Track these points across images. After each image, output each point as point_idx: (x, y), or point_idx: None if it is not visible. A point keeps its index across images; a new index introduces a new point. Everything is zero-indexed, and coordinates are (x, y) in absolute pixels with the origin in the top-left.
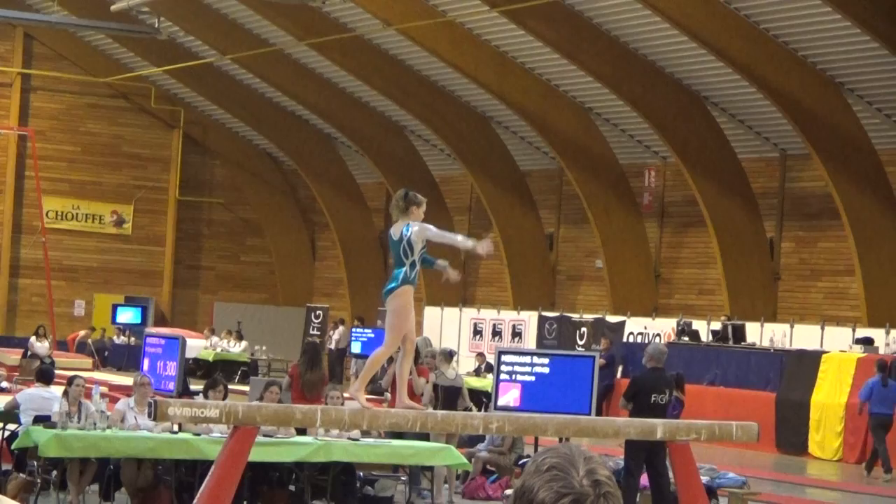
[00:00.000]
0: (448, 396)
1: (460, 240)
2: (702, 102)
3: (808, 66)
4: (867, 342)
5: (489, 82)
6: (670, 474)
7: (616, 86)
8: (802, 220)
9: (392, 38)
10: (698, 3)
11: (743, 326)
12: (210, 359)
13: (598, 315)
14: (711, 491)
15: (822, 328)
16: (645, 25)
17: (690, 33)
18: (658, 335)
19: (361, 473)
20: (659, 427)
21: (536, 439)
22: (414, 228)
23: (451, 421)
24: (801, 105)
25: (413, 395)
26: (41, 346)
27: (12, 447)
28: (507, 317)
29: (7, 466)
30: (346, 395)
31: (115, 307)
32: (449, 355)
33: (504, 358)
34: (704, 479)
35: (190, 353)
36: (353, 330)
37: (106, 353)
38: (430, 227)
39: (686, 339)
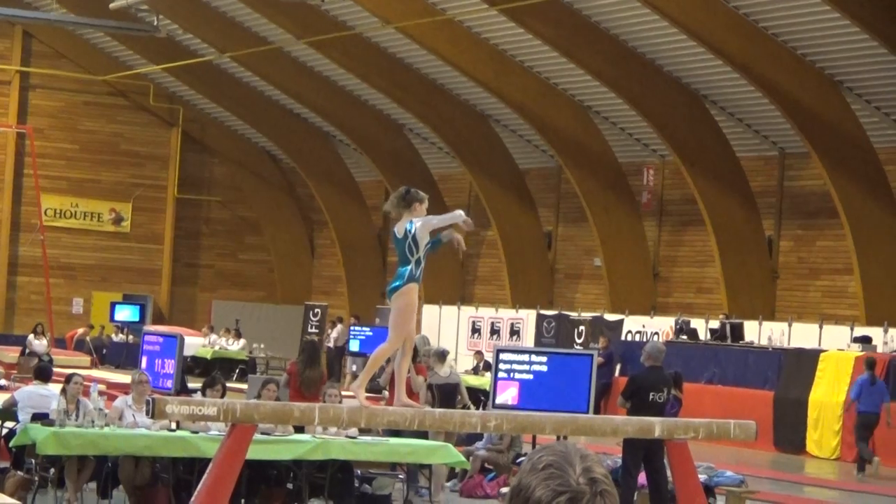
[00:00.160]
0: (444, 395)
1: (458, 214)
2: (701, 101)
3: (807, 65)
4: (865, 341)
5: (488, 80)
6: (668, 473)
7: (615, 84)
8: (801, 219)
9: (391, 36)
10: (697, 2)
11: (741, 325)
12: (208, 357)
13: (596, 313)
14: (709, 489)
15: (821, 327)
16: (644, 24)
17: (689, 32)
18: (656, 334)
19: (359, 471)
20: (657, 425)
21: (534, 438)
22: (417, 224)
23: (449, 419)
24: (799, 104)
25: (411, 393)
26: (39, 344)
27: (10, 445)
28: (506, 315)
29: (5, 464)
30: (343, 392)
31: (113, 305)
32: (441, 355)
33: (502, 356)
34: (702, 477)
35: (188, 351)
36: (352, 328)
37: (104, 351)
38: (432, 217)
39: (684, 337)
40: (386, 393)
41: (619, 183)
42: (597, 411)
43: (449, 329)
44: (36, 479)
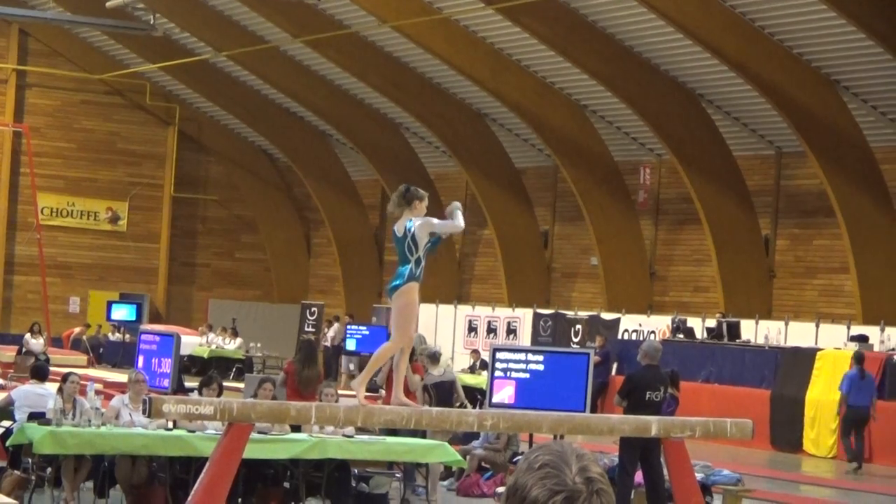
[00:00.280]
0: (440, 393)
1: (459, 220)
2: (697, 100)
3: (804, 64)
4: (862, 339)
5: (484, 79)
6: (665, 471)
7: (611, 83)
8: (797, 218)
9: (387, 35)
10: (694, 1)
11: (738, 324)
12: (205, 356)
13: (593, 312)
14: (706, 488)
15: (817, 325)
16: (640, 23)
17: (686, 31)
18: (653, 332)
19: (356, 470)
20: (654, 424)
21: (531, 436)
22: (417, 223)
23: (445, 418)
24: (796, 103)
25: (408, 392)
26: (36, 343)
27: (7, 444)
28: (502, 314)
29: (2, 463)
30: (340, 392)
31: (109, 304)
32: (433, 357)
33: (499, 355)
34: (699, 476)
35: (185, 350)
36: (348, 327)
37: (101, 350)
38: (433, 219)
39: (681, 336)
40: (382, 392)
41: (616, 182)
42: (593, 410)
43: (445, 328)
44: (33, 478)
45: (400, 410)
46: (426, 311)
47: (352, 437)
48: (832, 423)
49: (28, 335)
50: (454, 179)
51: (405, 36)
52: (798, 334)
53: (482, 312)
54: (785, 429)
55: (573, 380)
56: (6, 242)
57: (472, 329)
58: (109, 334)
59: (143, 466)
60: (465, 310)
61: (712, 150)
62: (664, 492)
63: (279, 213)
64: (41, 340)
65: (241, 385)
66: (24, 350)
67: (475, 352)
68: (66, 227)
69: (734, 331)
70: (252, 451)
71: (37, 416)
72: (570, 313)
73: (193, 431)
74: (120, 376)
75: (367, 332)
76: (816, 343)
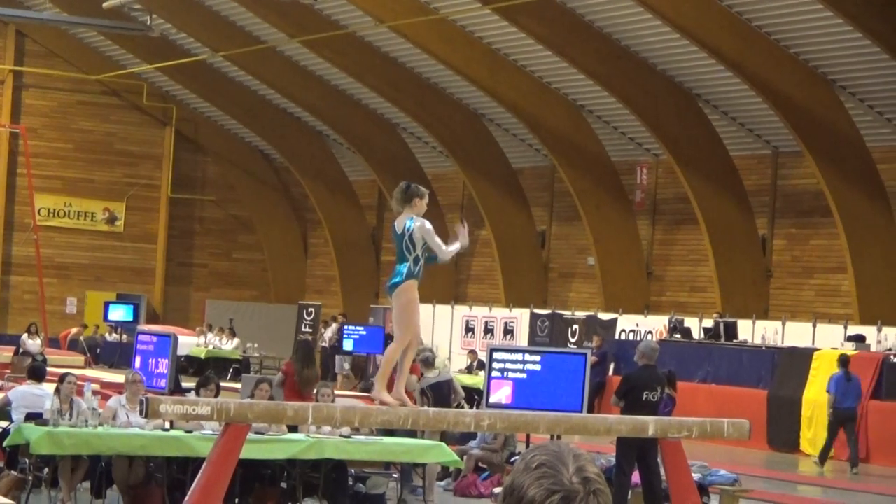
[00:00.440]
0: (437, 394)
1: (450, 249)
2: (694, 100)
3: (801, 64)
4: (859, 339)
5: (481, 79)
6: (662, 472)
7: (608, 83)
8: (794, 218)
9: (384, 35)
10: (691, 1)
11: (735, 324)
12: (202, 356)
13: (590, 312)
14: (703, 488)
15: (814, 325)
16: (637, 23)
17: (683, 31)
18: (650, 332)
19: (353, 471)
20: (650, 424)
21: (528, 437)
22: (416, 224)
23: (442, 418)
24: (793, 102)
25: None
26: (33, 344)
27: (4, 444)
28: (499, 314)
29: None
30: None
31: (106, 304)
32: (426, 361)
33: (496, 355)
34: (696, 476)
35: (182, 351)
36: (346, 327)
37: (98, 351)
38: (432, 231)
39: (678, 336)
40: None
41: (613, 182)
42: (590, 410)
43: (442, 328)
44: (30, 478)
45: (397, 411)
46: (423, 312)
47: (349, 437)
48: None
49: (25, 336)
50: (451, 179)
51: (402, 36)
52: (795, 334)
53: (479, 313)
54: (782, 429)
55: (570, 380)
56: (3, 243)
57: (469, 329)
58: (106, 335)
59: (139, 467)
60: (462, 310)
61: (709, 150)
62: (661, 492)
63: (276, 213)
64: (38, 341)
65: (238, 385)
66: (21, 350)
67: (472, 352)
68: (63, 227)
69: (731, 331)
70: (249, 452)
71: (34, 417)
72: (567, 313)
73: (190, 432)
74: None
75: (364, 333)
76: (813, 343)
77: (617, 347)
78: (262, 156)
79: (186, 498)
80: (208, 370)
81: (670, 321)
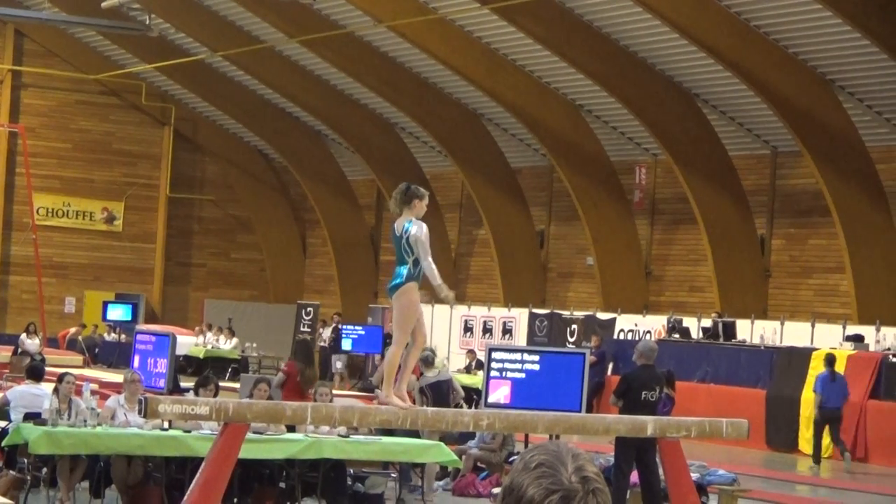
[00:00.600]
0: (436, 394)
1: (437, 284)
2: (693, 100)
3: (799, 64)
4: (857, 339)
5: (480, 79)
6: (660, 471)
7: (607, 83)
8: (793, 218)
9: (383, 35)
10: (689, 1)
11: (733, 323)
12: (201, 356)
13: (588, 312)
14: (701, 488)
15: (813, 325)
16: (636, 22)
17: (681, 30)
18: (649, 332)
19: (352, 470)
20: (649, 424)
21: (527, 436)
22: (413, 230)
23: (441, 418)
24: (791, 102)
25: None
26: (31, 343)
27: (2, 444)
28: (498, 314)
29: None
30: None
31: (105, 304)
32: (426, 360)
33: (494, 355)
34: (694, 476)
35: (180, 351)
36: (343, 327)
37: (96, 350)
38: (425, 241)
39: (677, 336)
40: (378, 391)
41: (612, 182)
42: (589, 410)
43: (441, 328)
44: (28, 478)
45: (396, 410)
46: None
47: (347, 436)
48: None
49: (24, 335)
50: (450, 179)
51: (401, 36)
52: (794, 334)
53: (478, 312)
54: (780, 429)
55: (569, 380)
56: (2, 243)
57: (467, 329)
58: (105, 334)
59: (138, 466)
60: (460, 310)
61: (708, 150)
62: (660, 492)
63: (275, 213)
64: (37, 341)
65: (236, 385)
66: (19, 350)
67: (471, 352)
68: (61, 227)
69: (730, 331)
70: (248, 451)
71: (32, 417)
72: (565, 313)
73: (189, 431)
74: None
75: (362, 332)
76: (812, 343)
77: (615, 347)
78: (260, 155)
79: (185, 497)
80: (207, 370)
81: (669, 321)
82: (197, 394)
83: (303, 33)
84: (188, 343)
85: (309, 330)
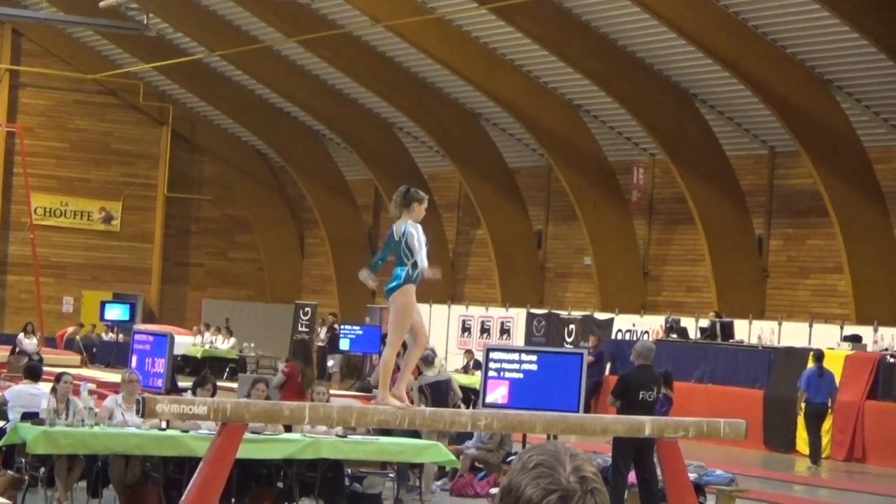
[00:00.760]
0: (435, 393)
1: (425, 265)
2: (690, 100)
3: (797, 64)
4: (855, 339)
5: (478, 79)
6: (658, 471)
7: (605, 83)
8: (791, 218)
9: (381, 35)
10: (687, 1)
11: (731, 324)
12: (198, 355)
13: (586, 312)
14: (699, 488)
15: (811, 325)
16: (634, 23)
17: (679, 30)
18: (646, 332)
19: (349, 470)
20: (647, 424)
21: (525, 436)
22: (410, 231)
23: (439, 418)
24: (789, 102)
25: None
26: (29, 343)
27: (0, 444)
28: (496, 314)
29: None
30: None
31: (103, 304)
32: (427, 360)
33: (492, 355)
34: (692, 476)
35: (178, 350)
36: (342, 327)
37: (94, 350)
38: (423, 241)
39: (674, 336)
40: (376, 392)
41: (609, 182)
42: (587, 410)
43: (439, 328)
44: (26, 478)
45: (394, 411)
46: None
47: (345, 436)
48: (825, 423)
49: (21, 335)
50: (448, 179)
51: (399, 36)
52: (791, 334)
53: (476, 312)
54: (778, 429)
55: (567, 380)
56: (0, 242)
57: (465, 329)
58: (103, 334)
59: (136, 466)
60: (458, 310)
61: (706, 150)
62: (657, 492)
63: (273, 212)
64: (34, 340)
65: (234, 385)
66: (17, 350)
67: (469, 352)
68: (59, 226)
69: (727, 331)
70: (246, 451)
71: (30, 416)
72: (563, 313)
73: (187, 431)
74: (113, 376)
75: (360, 332)
76: (810, 343)
77: (613, 347)
78: (258, 155)
79: (183, 497)
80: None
81: (667, 321)
82: (195, 394)
83: (301, 33)
84: (186, 343)
85: (307, 330)
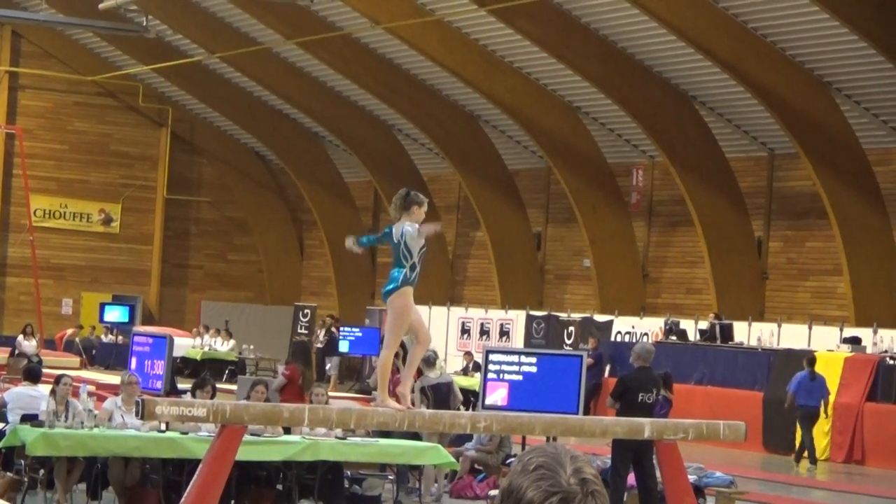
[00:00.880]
0: (437, 396)
1: (424, 229)
2: (690, 101)
3: (796, 66)
4: (854, 342)
5: (477, 81)
6: (657, 473)
7: (604, 85)
8: (790, 220)
9: (380, 36)
10: (686, 3)
11: (730, 325)
12: (198, 357)
13: (585, 314)
14: (699, 490)
15: (810, 327)
16: (633, 24)
17: (679, 32)
18: (646, 334)
19: (349, 472)
20: (646, 426)
21: (524, 438)
22: (407, 230)
23: (438, 420)
24: (789, 104)
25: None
26: (28, 345)
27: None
28: (495, 316)
29: None
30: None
31: (102, 306)
32: (429, 361)
33: (492, 357)
34: (692, 478)
35: (178, 352)
36: (342, 329)
37: (93, 352)
38: (417, 226)
39: (674, 338)
40: (375, 393)
41: (609, 184)
42: (586, 412)
43: (438, 330)
44: (25, 480)
45: (393, 413)
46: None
47: (344, 438)
48: (825, 425)
49: (21, 337)
50: (447, 181)
51: (398, 38)
52: (791, 336)
53: (475, 314)
54: (778, 431)
55: (566, 382)
56: None
57: (464, 331)
58: (102, 336)
59: (135, 468)
60: (457, 312)
61: (705, 152)
62: (657, 494)
63: (272, 214)
64: (34, 342)
65: (234, 387)
66: (16, 352)
67: (468, 354)
68: (58, 228)
69: (727, 333)
70: (245, 453)
71: (29, 418)
72: (562, 315)
73: (186, 433)
74: (113, 378)
75: (359, 334)
76: (809, 345)
77: (613, 349)
78: (257, 157)
79: (182, 499)
80: (204, 372)
81: (666, 323)
82: (194, 395)
83: (300, 35)
84: (185, 345)
85: (306, 332)
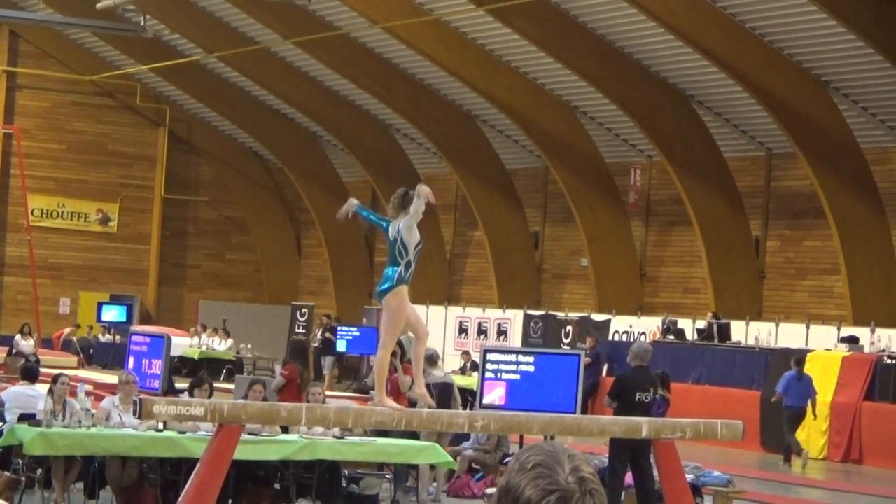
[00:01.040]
0: (440, 393)
1: (419, 206)
2: (687, 101)
3: (794, 65)
4: (852, 341)
5: (475, 80)
6: (655, 473)
7: (602, 84)
8: (788, 219)
9: (378, 36)
10: (684, 2)
11: (728, 325)
12: (195, 357)
13: (583, 313)
14: (696, 489)
15: (808, 327)
16: (631, 24)
17: (676, 32)
18: (643, 334)
19: (346, 471)
20: (644, 425)
21: (521, 437)
22: (402, 227)
23: (436, 419)
24: (786, 104)
25: (399, 393)
26: (26, 344)
27: None
28: (493, 315)
29: None
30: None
31: (100, 305)
32: (431, 359)
33: (489, 356)
34: (689, 477)
35: (175, 352)
36: (339, 328)
37: (91, 352)
38: (407, 217)
39: (671, 337)
40: (373, 393)
41: (606, 183)
42: (584, 411)
43: (436, 329)
44: (23, 479)
45: (390, 412)
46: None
47: (342, 437)
48: (822, 424)
49: (18, 336)
50: (444, 181)
51: (396, 37)
52: (788, 336)
53: (472, 314)
54: (775, 430)
55: (564, 381)
56: None
57: (462, 330)
58: (100, 335)
59: (133, 468)
60: (455, 311)
61: (703, 152)
62: (654, 493)
63: (270, 214)
64: (31, 342)
65: (231, 386)
66: (14, 351)
67: (466, 353)
68: (56, 228)
69: (724, 332)
70: (242, 453)
71: (27, 418)
72: (560, 314)
73: (184, 433)
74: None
75: (357, 334)
76: (807, 344)
77: (610, 348)
78: (255, 157)
79: (180, 499)
80: (202, 371)
81: (664, 322)
82: (192, 395)
83: (298, 35)
84: (183, 344)
85: (304, 331)
